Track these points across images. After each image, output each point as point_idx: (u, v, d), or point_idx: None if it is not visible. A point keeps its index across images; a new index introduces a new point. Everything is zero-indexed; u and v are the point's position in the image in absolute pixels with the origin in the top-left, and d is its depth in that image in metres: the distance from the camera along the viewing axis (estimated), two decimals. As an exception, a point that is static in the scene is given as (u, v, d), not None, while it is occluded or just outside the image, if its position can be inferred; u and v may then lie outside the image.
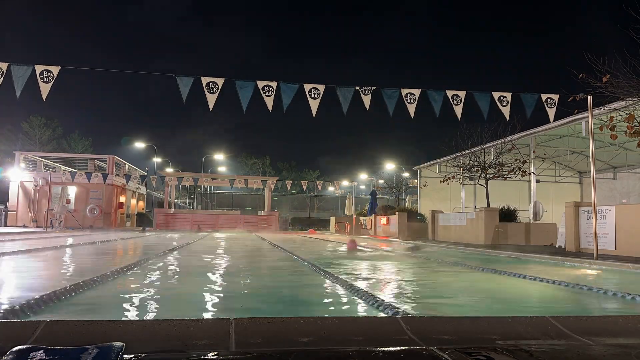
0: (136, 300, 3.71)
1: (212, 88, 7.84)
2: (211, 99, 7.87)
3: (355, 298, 3.96)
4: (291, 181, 31.66)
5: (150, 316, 3.22)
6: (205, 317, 3.01)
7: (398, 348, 2.06)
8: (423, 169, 26.57)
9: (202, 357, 1.89)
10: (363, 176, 48.03)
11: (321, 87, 8.12)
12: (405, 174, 34.29)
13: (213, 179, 34.40)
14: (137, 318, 3.10)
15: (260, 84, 7.97)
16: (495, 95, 8.41)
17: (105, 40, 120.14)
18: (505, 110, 8.43)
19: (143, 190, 33.89)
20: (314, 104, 8.11)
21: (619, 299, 4.20)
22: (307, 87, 8.10)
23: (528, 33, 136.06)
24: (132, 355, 1.81)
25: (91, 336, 2.08)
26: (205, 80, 7.84)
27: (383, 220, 21.91)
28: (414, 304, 3.99)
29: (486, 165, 16.25)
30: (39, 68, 7.41)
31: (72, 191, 25.87)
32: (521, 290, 5.04)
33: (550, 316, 2.58)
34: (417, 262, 8.44)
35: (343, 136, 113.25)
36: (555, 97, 8.51)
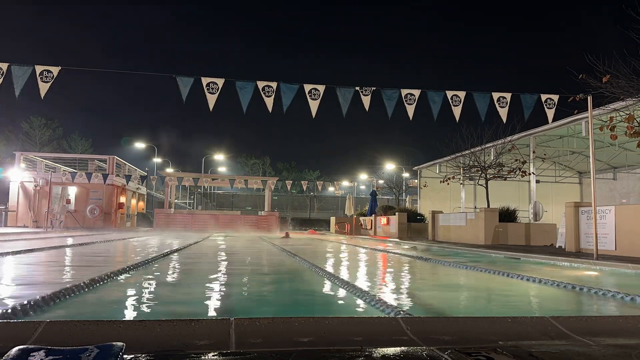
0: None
1: (212, 88, 7.84)
2: (211, 99, 7.87)
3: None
4: (291, 181, 31.65)
5: (155, 315, 3.22)
6: (205, 317, 3.01)
7: (398, 348, 2.06)
8: (423, 169, 26.57)
9: (202, 357, 1.89)
10: (363, 176, 48.10)
11: (321, 88, 8.11)
12: (405, 174, 34.29)
13: (213, 179, 34.38)
14: (138, 318, 3.10)
15: (260, 84, 7.97)
16: (495, 95, 8.41)
17: (106, 41, 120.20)
18: (503, 112, 8.42)
19: (143, 190, 33.89)
20: (313, 105, 8.10)
21: (619, 299, 4.20)
22: (307, 87, 8.10)
23: (528, 33, 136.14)
24: (132, 355, 1.82)
25: (91, 336, 2.08)
26: (205, 80, 7.84)
27: (383, 220, 21.91)
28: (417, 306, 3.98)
29: (486, 165, 16.26)
30: (39, 68, 7.40)
31: (72, 191, 25.87)
32: (521, 291, 5.04)
33: (550, 316, 2.58)
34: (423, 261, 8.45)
35: (343, 136, 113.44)
36: (555, 97, 8.51)
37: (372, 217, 23.80)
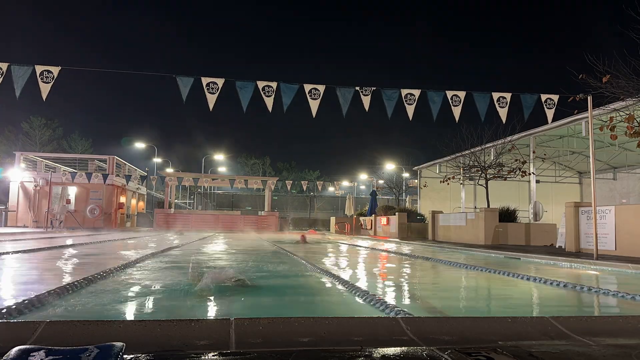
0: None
1: (212, 88, 7.84)
2: (211, 99, 7.87)
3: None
4: (291, 181, 31.65)
5: (154, 315, 3.22)
6: (205, 317, 3.01)
7: (398, 348, 2.06)
8: (423, 169, 26.57)
9: (202, 357, 1.89)
10: (363, 176, 48.08)
11: (321, 88, 8.11)
12: (405, 174, 34.28)
13: (213, 179, 34.39)
14: (137, 318, 3.10)
15: (261, 84, 7.96)
16: (495, 95, 8.41)
17: (106, 41, 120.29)
18: (503, 112, 8.42)
19: (143, 190, 33.89)
20: (314, 105, 8.10)
21: (619, 299, 4.20)
22: (307, 87, 8.10)
23: (528, 34, 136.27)
24: (132, 355, 1.82)
25: (91, 336, 2.08)
26: (205, 80, 7.84)
27: (383, 220, 21.90)
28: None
29: (486, 165, 16.26)
30: (39, 68, 7.40)
31: (72, 191, 25.86)
32: (521, 291, 5.04)
33: (551, 316, 2.58)
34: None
35: (343, 136, 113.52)
36: (555, 97, 8.51)
37: (372, 217, 23.79)
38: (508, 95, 8.45)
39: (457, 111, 8.40)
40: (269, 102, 7.95)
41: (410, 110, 8.27)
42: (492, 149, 16.97)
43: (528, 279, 5.59)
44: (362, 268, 7.45)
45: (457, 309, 3.93)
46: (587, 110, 8.42)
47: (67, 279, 4.93)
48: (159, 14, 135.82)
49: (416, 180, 27.81)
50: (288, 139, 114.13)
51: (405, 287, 5.28)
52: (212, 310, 3.48)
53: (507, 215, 15.24)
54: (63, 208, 23.57)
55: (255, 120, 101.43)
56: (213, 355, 1.90)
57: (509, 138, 16.17)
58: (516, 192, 22.21)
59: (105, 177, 24.43)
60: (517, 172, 15.65)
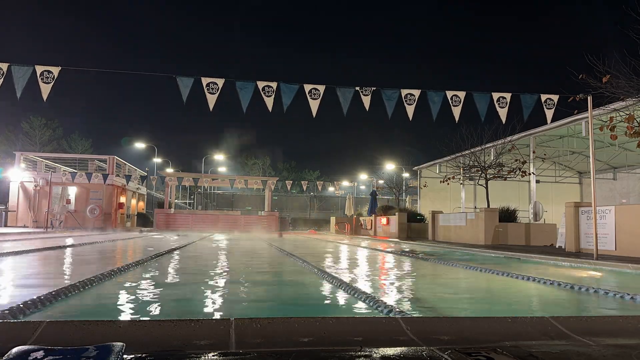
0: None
1: (212, 88, 7.84)
2: (211, 100, 7.87)
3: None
4: (291, 181, 31.63)
5: (155, 315, 3.22)
6: (205, 317, 3.01)
7: (398, 348, 2.06)
8: (423, 169, 26.57)
9: (202, 357, 1.89)
10: (363, 176, 48.07)
11: (321, 88, 8.12)
12: (405, 174, 34.25)
13: (213, 179, 34.38)
14: (137, 318, 3.10)
15: (260, 84, 7.97)
16: (495, 95, 8.41)
17: (106, 41, 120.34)
18: (503, 113, 8.42)
19: (143, 190, 33.88)
20: (314, 105, 8.10)
21: (619, 299, 4.20)
22: (307, 87, 8.10)
23: (528, 33, 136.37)
24: (132, 355, 1.81)
25: (91, 336, 2.08)
26: (205, 80, 7.84)
27: (383, 220, 21.90)
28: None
29: (486, 165, 16.26)
30: (39, 68, 7.40)
31: (72, 191, 25.86)
32: (521, 291, 5.04)
33: (550, 316, 2.58)
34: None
35: (343, 136, 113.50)
36: (555, 97, 8.51)
37: (372, 217, 23.79)
38: (508, 95, 8.45)
39: (457, 111, 8.40)
40: (269, 102, 7.95)
41: (410, 110, 8.27)
42: (492, 149, 16.97)
43: (528, 279, 5.58)
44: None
45: (457, 308, 3.92)
46: (587, 110, 8.41)
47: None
48: (159, 12, 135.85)
49: (416, 181, 27.82)
50: (288, 139, 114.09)
51: (405, 286, 5.28)
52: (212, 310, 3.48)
53: (507, 215, 15.25)
54: (63, 208, 23.57)
55: (255, 120, 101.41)
56: (213, 355, 1.90)
57: (509, 138, 16.18)
58: (516, 192, 22.22)
59: (105, 177, 24.42)
60: (517, 172, 15.65)
